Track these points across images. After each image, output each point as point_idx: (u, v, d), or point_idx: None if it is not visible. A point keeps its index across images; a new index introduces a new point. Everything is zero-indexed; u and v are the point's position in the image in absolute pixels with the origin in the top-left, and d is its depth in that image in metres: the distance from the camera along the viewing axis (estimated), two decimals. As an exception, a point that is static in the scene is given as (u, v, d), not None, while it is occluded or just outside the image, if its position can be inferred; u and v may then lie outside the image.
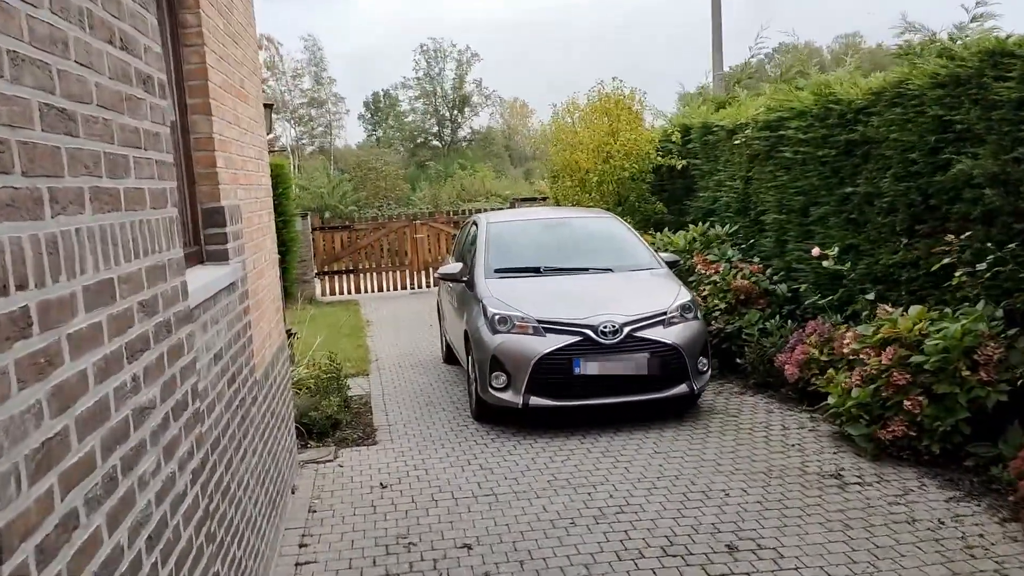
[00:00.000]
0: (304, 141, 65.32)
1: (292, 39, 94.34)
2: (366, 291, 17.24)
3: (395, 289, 17.35)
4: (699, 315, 6.65)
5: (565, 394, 6.19)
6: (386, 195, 31.94)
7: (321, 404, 6.43)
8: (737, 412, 6.64)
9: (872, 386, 5.51)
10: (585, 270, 7.07)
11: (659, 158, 10.38)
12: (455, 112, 66.17)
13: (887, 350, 5.45)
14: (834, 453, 5.56)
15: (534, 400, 6.18)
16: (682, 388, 6.33)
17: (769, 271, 8.11)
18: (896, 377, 5.31)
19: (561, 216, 8.35)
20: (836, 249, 6.55)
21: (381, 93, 66.34)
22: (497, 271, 7.05)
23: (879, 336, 5.66)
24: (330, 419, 6.36)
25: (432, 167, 37.49)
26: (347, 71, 76.74)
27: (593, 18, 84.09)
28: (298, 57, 64.31)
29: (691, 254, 8.74)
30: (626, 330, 6.20)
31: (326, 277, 17.09)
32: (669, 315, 6.42)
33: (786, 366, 6.74)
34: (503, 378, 6.28)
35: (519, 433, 6.33)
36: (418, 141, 64.91)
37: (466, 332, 6.89)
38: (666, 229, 9.65)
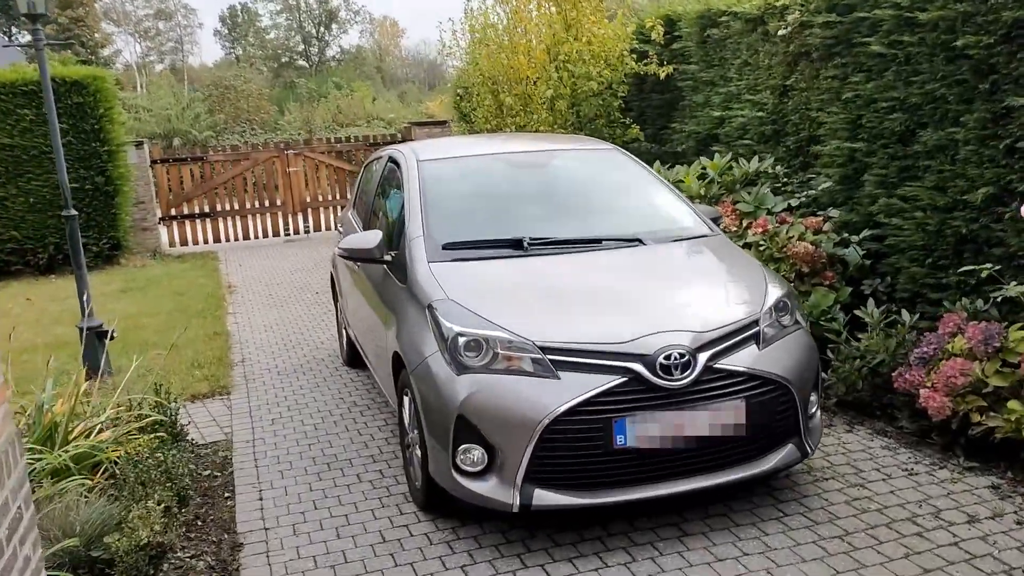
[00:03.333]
0: (152, 58, 58.81)
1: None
2: (228, 239, 13.73)
3: (265, 236, 13.91)
4: (800, 317, 3.92)
5: (596, 482, 3.37)
6: (249, 119, 27.61)
7: (128, 516, 3.36)
8: (856, 477, 4.00)
9: None
10: (598, 243, 4.16)
11: (634, 64, 7.51)
12: (322, 29, 61.08)
13: None
14: (1116, 591, 3.02)
15: (541, 497, 3.33)
16: (789, 452, 3.62)
17: (827, 226, 5.48)
18: None
19: (535, 149, 5.29)
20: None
21: (239, 7, 60.18)
22: (448, 248, 4.07)
23: None
24: (146, 549, 3.30)
25: (303, 86, 33.06)
26: (199, -20, 68.89)
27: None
28: (140, -39, 56.94)
29: (708, 202, 6.01)
30: (702, 359, 3.40)
31: (174, 223, 13.44)
32: (763, 324, 3.66)
33: (922, 392, 4.15)
34: (478, 454, 3.39)
35: (509, 547, 3.49)
36: (282, 60, 59.49)
37: (396, 355, 3.93)
38: (656, 164, 6.86)
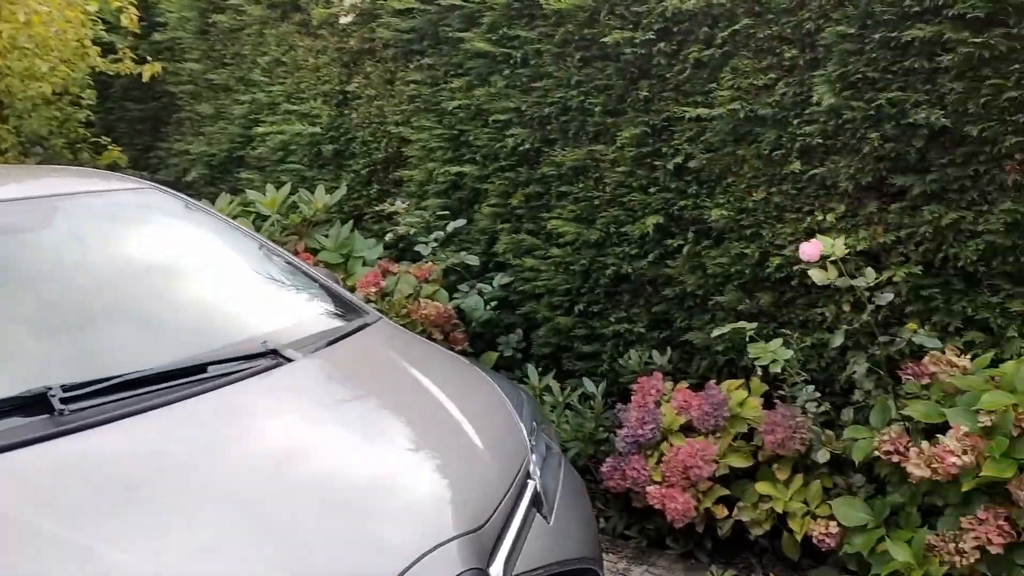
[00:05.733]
0: None
1: None
2: None
3: None
4: (551, 437, 2.55)
5: None
6: None
7: None
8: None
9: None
10: (202, 372, 2.13)
11: (101, 60, 5.24)
12: None
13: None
14: None
15: None
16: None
17: (435, 274, 4.24)
18: None
19: (9, 196, 2.79)
20: (839, 242, 3.03)
21: None
22: None
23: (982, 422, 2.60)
24: None
25: None
26: None
27: None
28: None
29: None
30: (498, 579, 1.83)
31: None
32: (536, 474, 2.22)
33: (651, 491, 3.18)
34: None
35: None
36: None
37: None
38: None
